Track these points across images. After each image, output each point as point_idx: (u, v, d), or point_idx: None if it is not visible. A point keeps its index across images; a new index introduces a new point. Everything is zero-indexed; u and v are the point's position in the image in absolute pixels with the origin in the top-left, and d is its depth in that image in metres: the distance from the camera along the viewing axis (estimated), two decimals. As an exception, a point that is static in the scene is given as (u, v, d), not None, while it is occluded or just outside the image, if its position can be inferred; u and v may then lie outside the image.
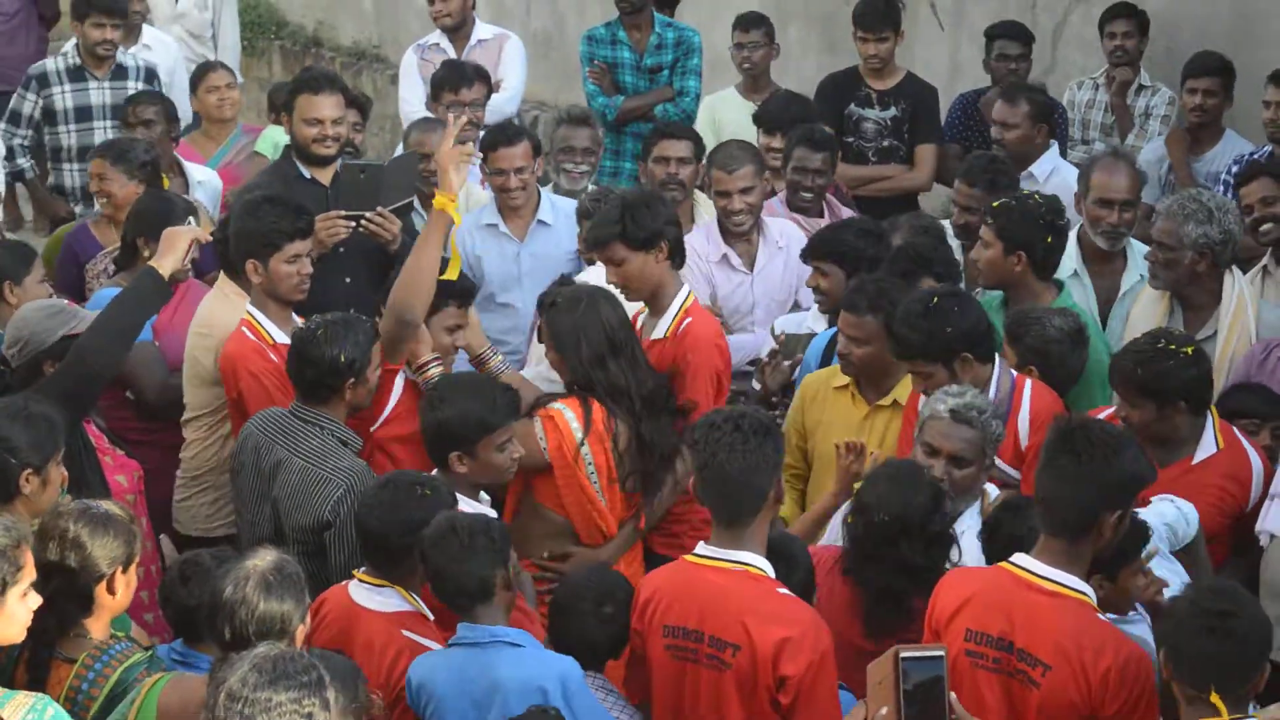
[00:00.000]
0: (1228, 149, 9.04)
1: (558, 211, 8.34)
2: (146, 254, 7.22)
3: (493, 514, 5.93)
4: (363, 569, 5.57)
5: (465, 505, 5.80)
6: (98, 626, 4.94)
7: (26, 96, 10.11)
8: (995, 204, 7.04)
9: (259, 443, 6.29)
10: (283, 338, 6.70)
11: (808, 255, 7.33)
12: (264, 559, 4.66)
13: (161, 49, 11.06)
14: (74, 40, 10.31)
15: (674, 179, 8.30)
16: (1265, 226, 7.53)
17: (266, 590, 4.56)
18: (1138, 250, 7.63)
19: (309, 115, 7.99)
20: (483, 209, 8.50)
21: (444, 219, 6.57)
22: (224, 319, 6.97)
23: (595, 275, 7.21)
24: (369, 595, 5.50)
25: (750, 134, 9.09)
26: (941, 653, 4.33)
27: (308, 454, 6.15)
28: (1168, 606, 4.70)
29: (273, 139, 10.11)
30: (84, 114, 10.09)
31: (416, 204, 8.10)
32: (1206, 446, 6.15)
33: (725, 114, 9.90)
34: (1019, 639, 4.71)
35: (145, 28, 11.25)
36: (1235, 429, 6.29)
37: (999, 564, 4.93)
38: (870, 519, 5.46)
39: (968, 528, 5.68)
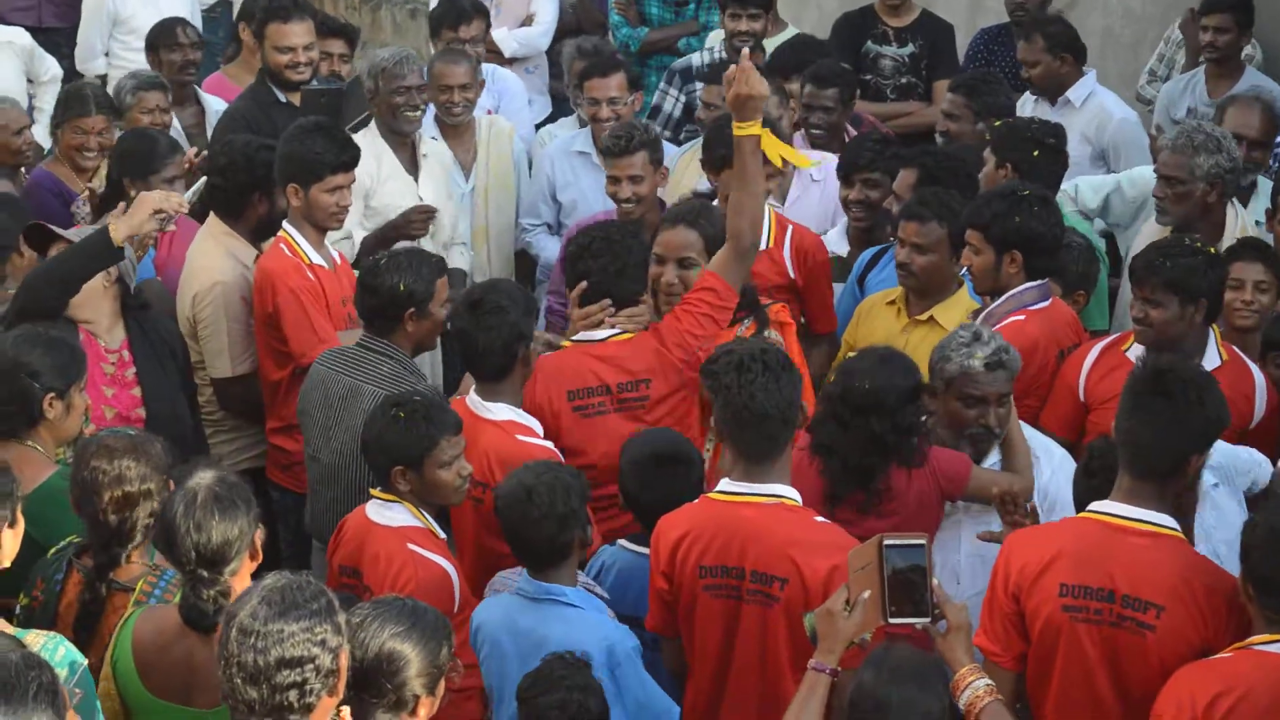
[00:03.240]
0: (1248, 85, 8.77)
1: None
2: (133, 193, 7.01)
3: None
4: (379, 487, 5.61)
5: (516, 415, 5.86)
6: (144, 549, 4.96)
7: (669, 93, 9.35)
8: (997, 123, 7.10)
9: (325, 377, 6.23)
10: (318, 258, 6.71)
11: (853, 170, 7.38)
12: (205, 476, 4.57)
13: None
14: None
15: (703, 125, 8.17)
16: None
17: (218, 504, 4.50)
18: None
19: (280, 43, 8.24)
20: (575, 135, 8.42)
21: (752, 142, 5.99)
22: (207, 272, 6.86)
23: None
24: (380, 511, 5.52)
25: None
26: (923, 541, 4.29)
27: (380, 381, 6.08)
28: (1248, 528, 4.52)
29: None
30: None
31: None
32: (1211, 358, 6.02)
33: (728, 50, 9.75)
34: (1122, 586, 4.53)
35: None
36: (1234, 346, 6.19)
37: (1080, 515, 4.78)
38: (850, 383, 5.39)
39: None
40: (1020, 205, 6.23)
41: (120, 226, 6.22)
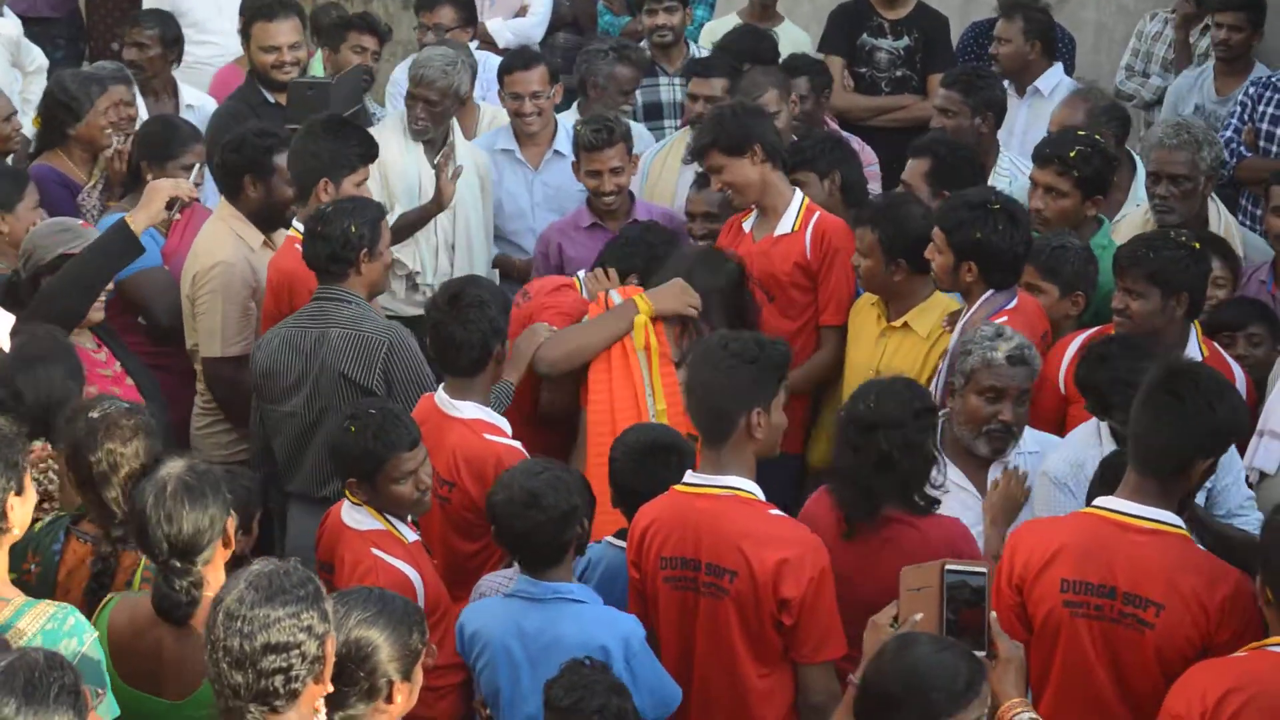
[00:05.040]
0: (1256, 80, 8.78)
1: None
2: (150, 177, 7.12)
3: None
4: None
5: (484, 414, 5.86)
6: None
7: None
8: (1073, 154, 6.79)
9: (289, 336, 6.24)
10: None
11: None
12: (175, 465, 4.57)
13: None
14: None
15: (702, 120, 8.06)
16: None
17: (189, 493, 4.49)
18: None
19: (265, 43, 8.26)
20: (498, 132, 8.32)
21: (631, 312, 6.40)
22: (209, 253, 6.82)
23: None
24: (350, 513, 5.51)
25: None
26: (984, 570, 4.24)
27: (344, 322, 6.16)
28: (1266, 529, 4.47)
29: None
30: (653, 111, 9.30)
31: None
32: (1192, 353, 5.96)
33: (727, 41, 9.69)
34: (1123, 583, 4.52)
35: None
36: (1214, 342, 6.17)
37: (1084, 510, 4.76)
38: (855, 405, 5.32)
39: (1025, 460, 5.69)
40: (986, 219, 6.10)
41: (139, 218, 6.30)
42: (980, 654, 4.20)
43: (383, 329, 6.22)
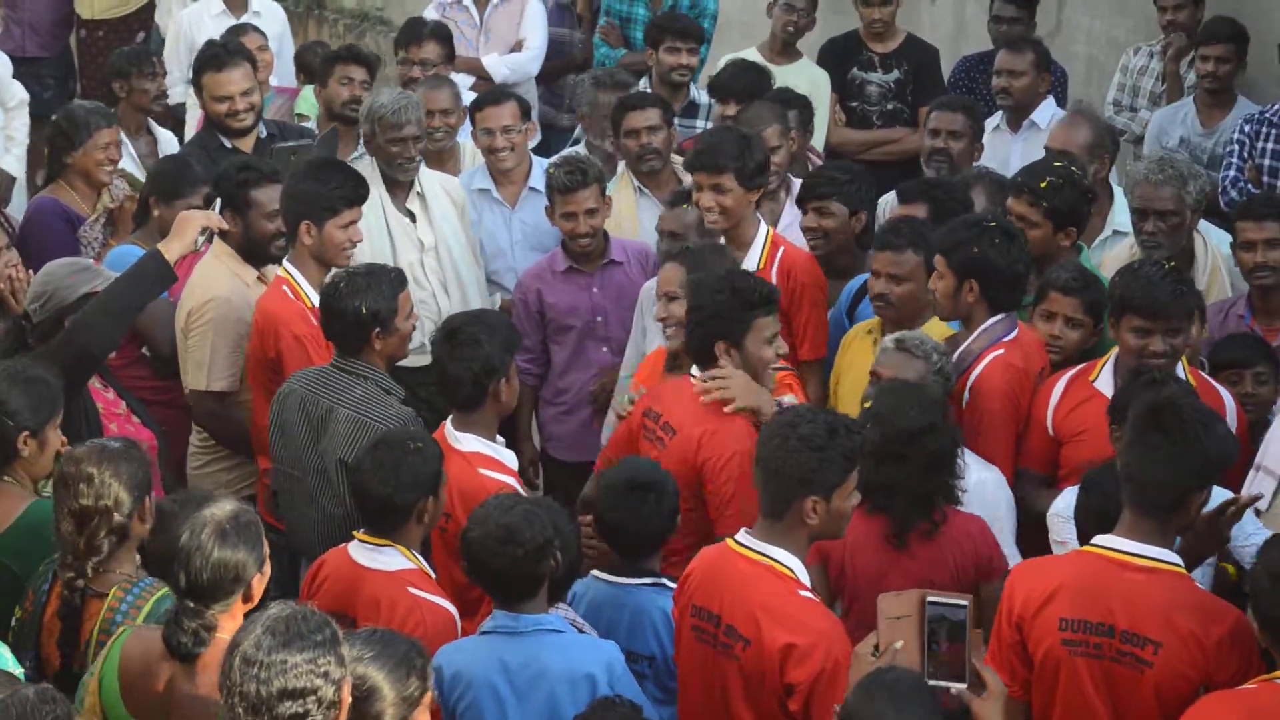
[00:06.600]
0: (1241, 115, 8.80)
1: None
2: (156, 213, 7.23)
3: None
4: (362, 529, 5.48)
5: (484, 447, 5.89)
6: (127, 559, 4.97)
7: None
8: (1043, 184, 6.73)
9: (303, 397, 6.19)
10: (319, 300, 6.48)
11: (807, 197, 7.24)
12: (222, 508, 4.56)
13: (269, 17, 10.64)
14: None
15: (648, 149, 8.03)
16: None
17: (222, 538, 4.47)
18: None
19: (217, 93, 8.29)
20: (474, 172, 8.31)
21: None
22: (203, 288, 6.86)
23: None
24: (370, 555, 5.39)
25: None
26: (965, 603, 4.23)
27: (354, 404, 6.09)
28: (1252, 574, 4.49)
29: (311, 100, 9.92)
30: None
31: None
32: None
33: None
34: (1121, 622, 4.54)
35: None
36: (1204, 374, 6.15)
37: (1082, 549, 4.78)
38: (893, 422, 5.39)
39: None
40: (982, 236, 6.15)
41: (173, 247, 6.29)
42: (961, 686, 4.24)
43: (388, 418, 6.09)
